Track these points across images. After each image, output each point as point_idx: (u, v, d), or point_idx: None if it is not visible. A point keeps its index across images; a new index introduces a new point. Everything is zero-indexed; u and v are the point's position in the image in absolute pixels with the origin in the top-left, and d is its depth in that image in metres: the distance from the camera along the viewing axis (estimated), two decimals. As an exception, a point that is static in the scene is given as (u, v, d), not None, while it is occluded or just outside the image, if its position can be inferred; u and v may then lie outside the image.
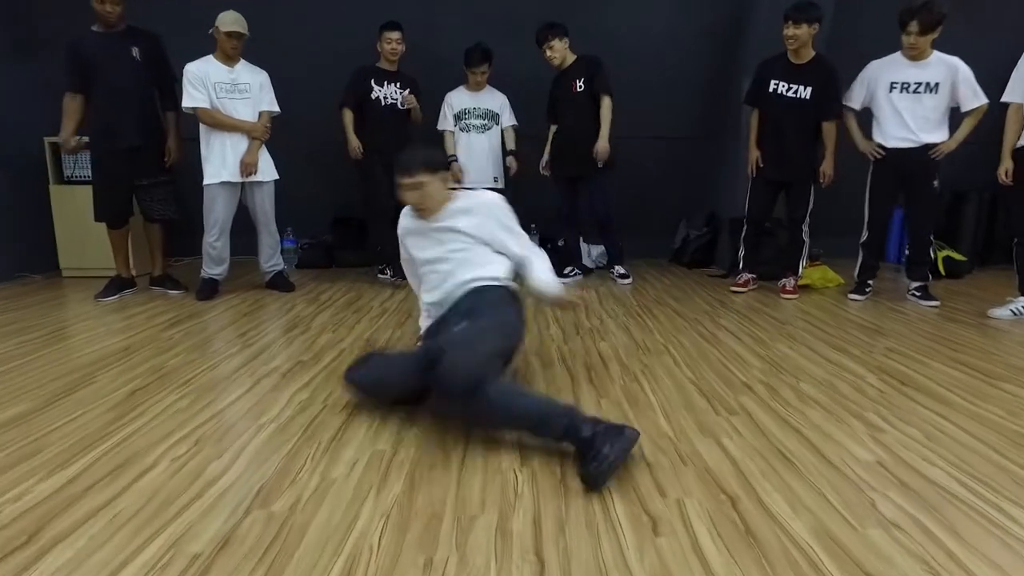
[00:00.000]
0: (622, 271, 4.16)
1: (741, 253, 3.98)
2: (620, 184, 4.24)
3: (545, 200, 4.71)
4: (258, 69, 3.67)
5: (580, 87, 3.93)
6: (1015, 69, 3.15)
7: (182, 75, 3.48)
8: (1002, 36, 4.30)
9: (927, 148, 3.38)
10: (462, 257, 2.19)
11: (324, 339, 2.83)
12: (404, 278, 2.80)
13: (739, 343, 2.78)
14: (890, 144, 3.45)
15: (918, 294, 3.57)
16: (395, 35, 3.93)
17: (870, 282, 3.69)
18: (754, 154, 3.77)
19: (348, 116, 4.04)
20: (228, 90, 3.54)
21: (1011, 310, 3.21)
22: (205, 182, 3.57)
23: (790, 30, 3.46)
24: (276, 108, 3.72)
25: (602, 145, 3.92)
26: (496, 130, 4.32)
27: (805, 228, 3.74)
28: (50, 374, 2.37)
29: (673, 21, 4.73)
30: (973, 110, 3.31)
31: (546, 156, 4.22)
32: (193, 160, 3.67)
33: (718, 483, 1.57)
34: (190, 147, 3.69)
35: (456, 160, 4.27)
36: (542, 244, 4.74)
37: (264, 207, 3.72)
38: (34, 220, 4.29)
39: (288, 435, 1.82)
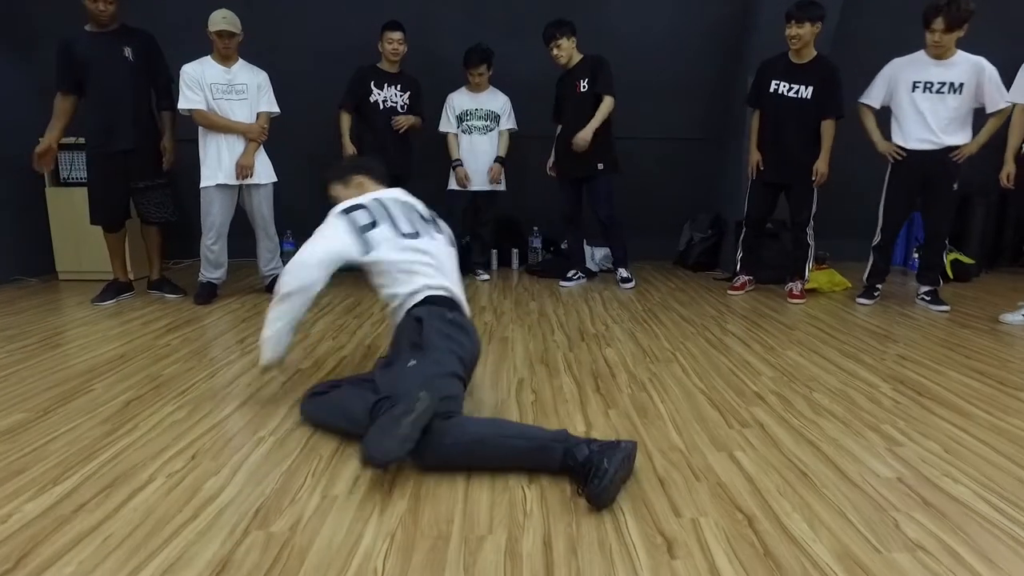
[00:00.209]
0: (625, 275, 4.11)
1: (739, 255, 3.95)
2: (623, 185, 4.18)
3: (548, 202, 4.66)
4: (257, 69, 3.60)
5: (584, 87, 3.87)
6: (1020, 69, 3.07)
7: (179, 76, 3.43)
8: (1004, 36, 4.25)
9: (949, 150, 3.30)
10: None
11: (324, 347, 2.77)
12: None
13: (748, 350, 2.72)
14: (911, 145, 3.36)
15: (928, 298, 3.52)
16: (397, 35, 3.88)
17: (879, 286, 3.64)
18: (755, 156, 3.72)
19: (345, 120, 3.98)
20: (224, 91, 3.48)
21: (1023, 315, 3.15)
22: (201, 185, 3.51)
23: (793, 29, 3.42)
24: (275, 108, 3.66)
25: (582, 135, 3.77)
26: (498, 132, 4.26)
27: (809, 231, 3.68)
28: (43, 383, 2.31)
29: (677, 21, 4.67)
30: (998, 111, 3.22)
31: (552, 157, 4.15)
32: (191, 162, 3.61)
33: (733, 501, 1.51)
34: (189, 148, 3.63)
35: (460, 164, 4.22)
36: (545, 246, 4.70)
37: (262, 210, 3.66)
38: (30, 222, 4.23)
39: (287, 450, 1.77)
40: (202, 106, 3.43)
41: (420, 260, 2.03)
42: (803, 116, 3.53)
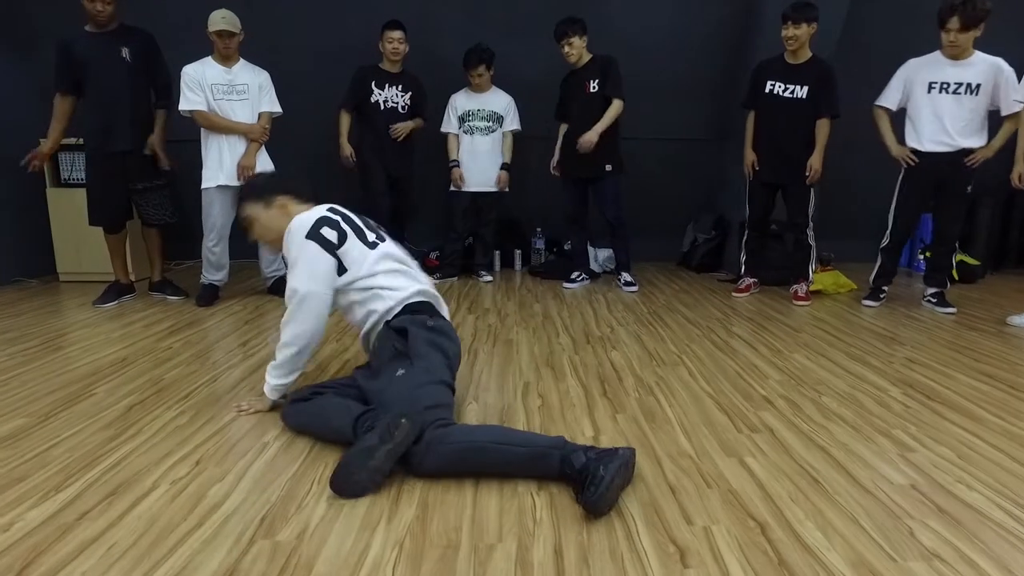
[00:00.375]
0: (628, 279, 4.08)
1: (742, 258, 3.94)
2: (626, 186, 4.16)
3: (551, 202, 4.64)
4: (259, 69, 3.58)
5: (594, 88, 3.84)
6: None
7: (179, 77, 3.41)
8: (1021, 36, 4.23)
9: (964, 152, 3.26)
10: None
11: (328, 349, 2.75)
12: None
13: (755, 353, 2.70)
14: (925, 147, 3.32)
15: (934, 300, 3.50)
16: (397, 34, 3.85)
17: (885, 288, 3.62)
18: (750, 156, 3.71)
19: (344, 120, 3.97)
20: (225, 91, 3.46)
21: (1031, 318, 3.14)
22: (202, 186, 3.50)
23: (789, 30, 3.42)
24: (277, 108, 3.63)
25: (588, 136, 3.74)
26: (501, 132, 4.24)
27: (809, 232, 3.67)
28: (45, 387, 2.29)
29: (679, 21, 4.65)
30: (1015, 114, 3.15)
31: (556, 156, 4.12)
32: (193, 163, 3.59)
33: (745, 508, 1.49)
34: (191, 149, 3.61)
35: (457, 165, 4.20)
36: (548, 247, 4.68)
37: (265, 211, 3.63)
38: (31, 223, 4.21)
39: (292, 456, 1.74)
40: (203, 107, 3.41)
41: (392, 268, 2.01)
42: (799, 116, 3.52)
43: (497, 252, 4.66)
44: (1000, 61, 3.17)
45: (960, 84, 3.22)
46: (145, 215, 3.59)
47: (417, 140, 4.11)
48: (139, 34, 3.42)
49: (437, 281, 4.26)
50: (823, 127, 3.50)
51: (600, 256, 4.59)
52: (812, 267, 3.73)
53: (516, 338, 2.93)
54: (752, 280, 3.93)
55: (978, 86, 3.19)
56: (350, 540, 1.36)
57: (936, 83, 3.26)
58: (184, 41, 3.61)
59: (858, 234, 4.92)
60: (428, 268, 4.61)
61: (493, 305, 3.61)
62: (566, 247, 4.66)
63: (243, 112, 3.51)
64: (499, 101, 4.21)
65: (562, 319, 3.28)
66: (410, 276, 2.05)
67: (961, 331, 3.06)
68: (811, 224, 3.66)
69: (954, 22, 3.09)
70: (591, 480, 1.43)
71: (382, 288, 1.96)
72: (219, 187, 3.48)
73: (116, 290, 3.63)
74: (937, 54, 3.29)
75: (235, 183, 3.50)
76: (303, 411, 1.87)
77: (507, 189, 4.26)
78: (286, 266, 1.98)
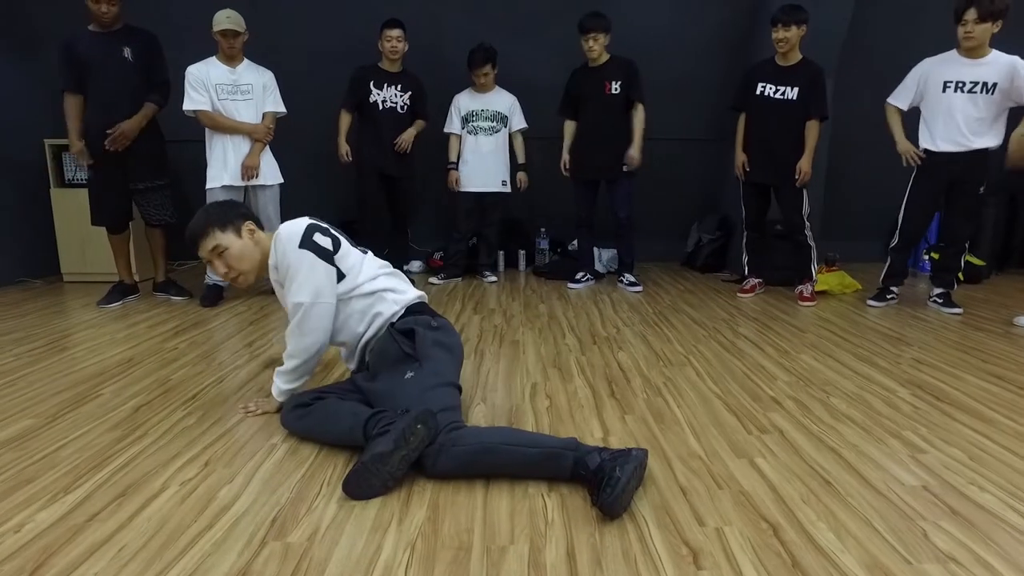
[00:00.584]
0: (632, 279, 4.08)
1: (745, 259, 3.94)
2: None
3: (554, 202, 4.64)
4: (263, 69, 3.58)
5: (615, 90, 3.84)
6: None
7: (183, 77, 3.40)
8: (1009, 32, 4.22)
9: (978, 153, 3.22)
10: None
11: (334, 349, 2.74)
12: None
13: (762, 354, 2.70)
14: (939, 147, 3.28)
15: (940, 301, 3.49)
16: (395, 32, 3.84)
17: (894, 289, 3.60)
18: (740, 158, 3.73)
19: (344, 120, 3.96)
20: (230, 91, 3.46)
21: (1038, 318, 3.13)
22: (207, 186, 3.49)
23: (780, 33, 3.45)
24: (281, 108, 3.63)
25: (636, 156, 3.86)
26: (505, 132, 4.24)
27: (808, 232, 3.67)
28: (51, 388, 2.28)
29: (682, 22, 4.65)
30: None
31: (566, 155, 4.08)
32: (197, 163, 3.59)
33: (757, 509, 1.48)
34: (194, 149, 3.61)
35: (455, 168, 4.20)
36: (552, 247, 4.67)
37: (267, 212, 3.63)
38: (35, 224, 4.21)
39: (301, 457, 1.74)
40: (207, 107, 3.41)
41: (389, 271, 2.02)
42: (789, 117, 3.54)
43: (501, 252, 4.65)
44: (1017, 59, 3.11)
45: (976, 83, 3.17)
46: (146, 215, 3.58)
47: (419, 140, 4.10)
48: (142, 35, 3.42)
49: (441, 282, 4.25)
50: (812, 129, 3.52)
51: (604, 256, 4.59)
52: (814, 266, 3.72)
53: (522, 339, 2.92)
54: (757, 280, 3.92)
55: (994, 85, 3.13)
56: (362, 542, 1.35)
57: (951, 82, 3.22)
58: (188, 41, 3.61)
59: (864, 235, 4.92)
60: (432, 268, 4.63)
61: (498, 305, 3.61)
62: (570, 247, 4.65)
63: (247, 112, 3.50)
64: (503, 101, 4.20)
65: (568, 319, 3.28)
66: (403, 279, 2.07)
67: (968, 332, 3.06)
68: (808, 224, 3.66)
69: (971, 13, 3.04)
70: (607, 481, 1.43)
71: (386, 290, 1.96)
72: (224, 187, 3.47)
73: (120, 290, 3.63)
74: (953, 53, 3.24)
75: (240, 183, 3.50)
76: (307, 416, 1.83)
77: (507, 185, 4.25)
78: (281, 285, 1.91)
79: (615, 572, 1.26)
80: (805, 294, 3.67)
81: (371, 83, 3.90)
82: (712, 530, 1.40)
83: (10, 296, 3.84)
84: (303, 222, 1.91)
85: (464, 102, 4.19)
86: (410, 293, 2.01)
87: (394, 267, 2.12)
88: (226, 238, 1.90)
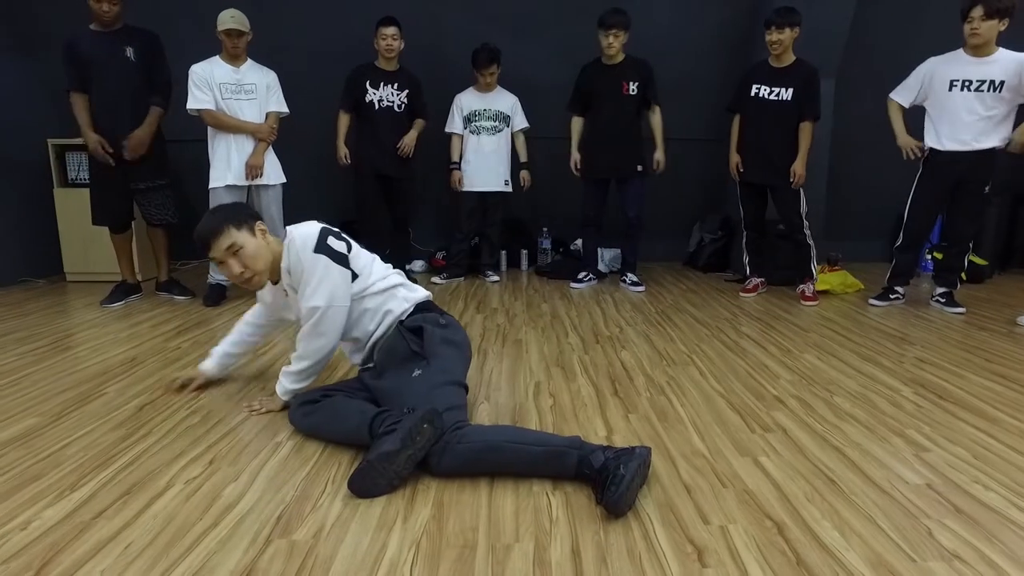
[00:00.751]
0: (634, 279, 4.08)
1: (746, 259, 3.95)
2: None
3: (557, 202, 4.65)
4: (266, 69, 3.58)
5: (633, 91, 3.85)
6: None
7: (187, 76, 3.41)
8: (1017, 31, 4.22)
9: (983, 152, 3.21)
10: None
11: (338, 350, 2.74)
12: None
13: (765, 353, 2.70)
14: (945, 146, 3.27)
15: (943, 300, 3.49)
16: (390, 30, 3.83)
17: (898, 289, 3.59)
18: (734, 159, 3.75)
19: (343, 121, 3.96)
20: (233, 91, 3.46)
21: (1041, 318, 3.12)
22: (210, 186, 3.49)
23: (773, 35, 3.49)
24: (284, 108, 3.63)
25: (662, 156, 3.92)
26: (507, 132, 4.24)
27: (806, 232, 3.68)
28: (55, 387, 2.29)
29: (683, 22, 4.65)
30: None
31: (575, 153, 4.07)
32: (200, 163, 3.59)
33: (761, 508, 1.49)
34: (198, 149, 3.61)
35: (457, 168, 4.20)
36: (555, 247, 4.67)
37: (270, 211, 3.63)
38: (38, 223, 4.22)
39: (306, 455, 1.74)
40: (211, 106, 3.41)
41: (395, 271, 2.05)
42: (783, 118, 3.57)
43: (503, 252, 4.66)
44: (1022, 56, 3.08)
45: (983, 81, 3.14)
46: (147, 215, 3.59)
47: (419, 140, 4.10)
48: (144, 34, 3.42)
49: (443, 281, 4.25)
50: (805, 131, 3.54)
51: (606, 256, 4.59)
52: (814, 265, 3.72)
53: (525, 338, 2.92)
54: (759, 280, 3.93)
55: (1001, 83, 3.11)
56: (367, 540, 1.35)
57: (958, 81, 3.19)
58: (192, 41, 3.61)
59: (866, 234, 4.93)
60: (434, 268, 4.63)
61: (501, 305, 3.61)
62: (572, 247, 4.65)
63: (251, 112, 3.51)
64: (505, 101, 4.21)
65: (570, 319, 3.28)
66: (404, 277, 2.09)
67: (971, 331, 3.06)
68: (807, 223, 3.67)
69: (977, 10, 3.03)
70: (612, 479, 1.43)
71: (398, 286, 1.99)
72: (227, 187, 3.47)
73: (123, 290, 3.64)
74: (959, 51, 3.22)
75: (243, 183, 3.50)
76: (314, 413, 1.84)
77: (509, 185, 4.26)
78: (295, 290, 1.91)
79: (620, 570, 1.26)
80: (807, 293, 3.67)
81: (367, 82, 3.90)
82: (716, 528, 1.40)
83: (13, 296, 3.85)
84: (316, 226, 1.91)
85: (467, 101, 4.19)
86: (419, 291, 2.04)
87: (396, 267, 2.13)
88: (242, 236, 1.88)
